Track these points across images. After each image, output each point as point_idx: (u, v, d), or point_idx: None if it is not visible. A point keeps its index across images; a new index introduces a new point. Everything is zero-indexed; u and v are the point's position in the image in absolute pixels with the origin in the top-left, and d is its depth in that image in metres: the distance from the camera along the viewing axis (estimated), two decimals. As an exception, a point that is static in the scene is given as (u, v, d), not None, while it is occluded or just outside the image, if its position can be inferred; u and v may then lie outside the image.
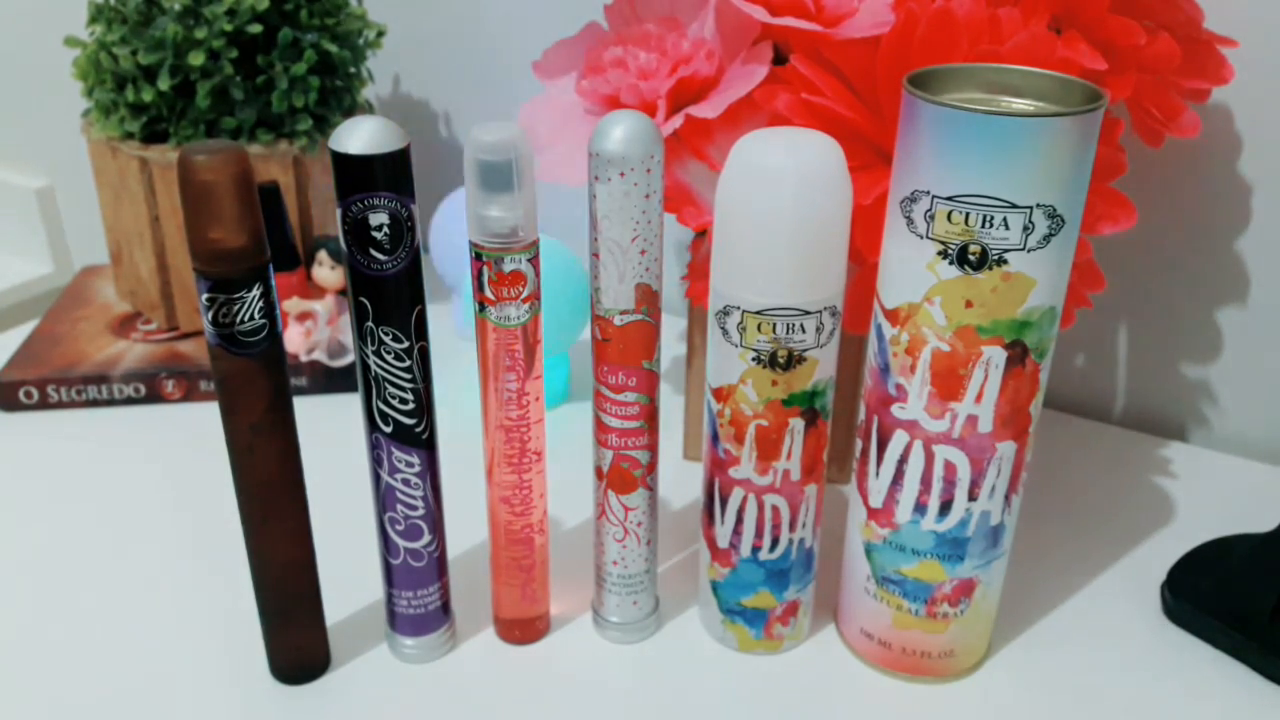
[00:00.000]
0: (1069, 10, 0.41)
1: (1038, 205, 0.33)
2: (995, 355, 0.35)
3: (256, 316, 0.35)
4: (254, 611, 0.44)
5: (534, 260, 0.36)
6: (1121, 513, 0.52)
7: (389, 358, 0.37)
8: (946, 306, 0.35)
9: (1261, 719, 0.40)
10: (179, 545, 0.49)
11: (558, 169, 0.47)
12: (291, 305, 0.61)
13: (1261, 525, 0.49)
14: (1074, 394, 0.63)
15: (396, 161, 0.34)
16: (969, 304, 0.34)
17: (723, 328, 0.37)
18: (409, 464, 0.39)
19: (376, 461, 0.39)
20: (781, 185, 0.34)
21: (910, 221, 0.34)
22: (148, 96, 0.60)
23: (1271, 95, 0.52)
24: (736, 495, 0.40)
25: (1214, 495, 0.53)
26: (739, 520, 0.40)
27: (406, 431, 0.38)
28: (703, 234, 0.47)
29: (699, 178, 0.45)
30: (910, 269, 0.35)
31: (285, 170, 0.64)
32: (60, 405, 0.61)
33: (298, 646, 0.41)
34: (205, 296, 0.34)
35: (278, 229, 0.61)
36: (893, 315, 0.36)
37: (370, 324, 0.36)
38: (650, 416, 0.40)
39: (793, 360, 0.37)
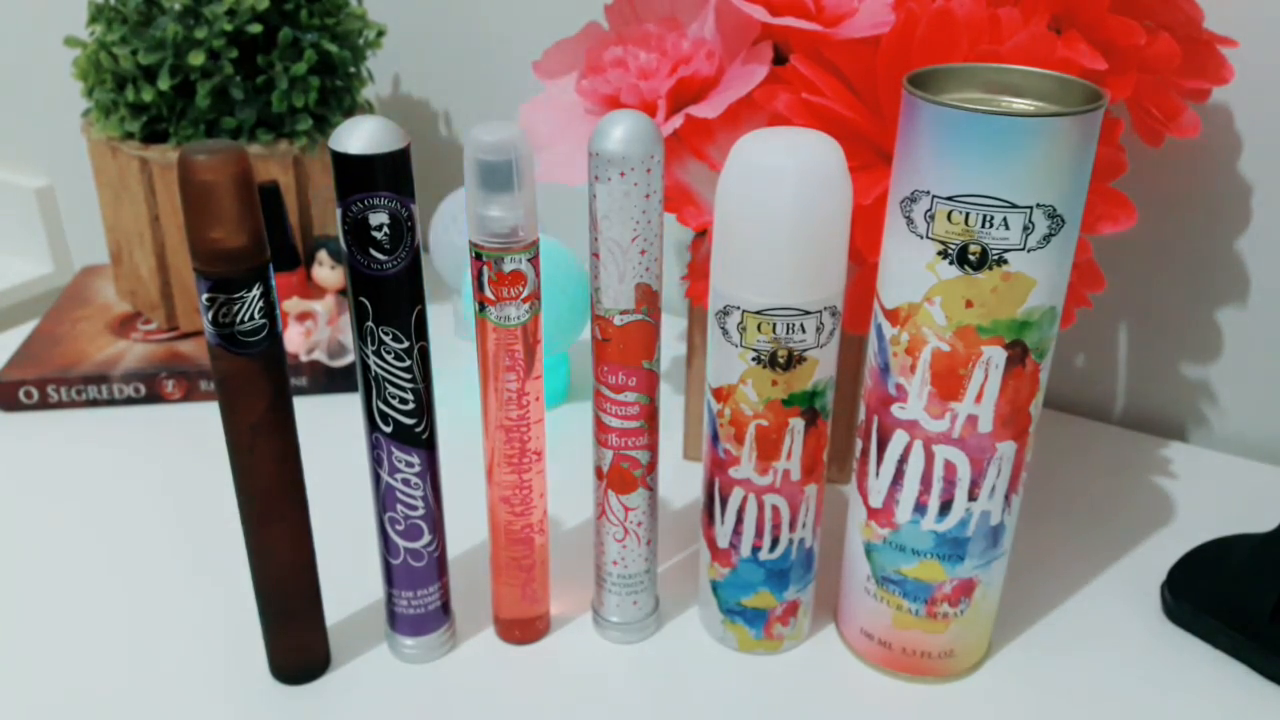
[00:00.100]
0: (1069, 10, 0.41)
1: (1038, 205, 0.33)
2: (995, 355, 0.35)
3: (256, 316, 0.35)
4: (254, 612, 0.44)
5: (534, 260, 0.36)
6: (1121, 513, 0.52)
7: (389, 358, 0.37)
8: (946, 306, 0.35)
9: (1261, 719, 0.40)
10: (179, 545, 0.49)
11: (558, 169, 0.47)
12: (291, 305, 0.61)
13: (1261, 525, 0.49)
14: (1074, 394, 0.63)
15: (396, 161, 0.34)
16: (969, 304, 0.34)
17: (723, 328, 0.37)
18: (409, 464, 0.39)
19: (376, 461, 0.39)
20: (781, 185, 0.34)
21: (910, 221, 0.34)
22: (148, 96, 0.60)
23: (1271, 95, 0.52)
24: (736, 495, 0.40)
25: (1214, 495, 0.53)
26: (739, 520, 0.40)
27: (406, 431, 0.38)
28: (703, 234, 0.47)
29: (699, 178, 0.45)
30: (910, 269, 0.35)
31: (285, 170, 0.64)
32: (60, 405, 0.61)
33: (298, 646, 0.41)
34: (205, 296, 0.34)
35: (278, 229, 0.61)
36: (893, 315, 0.36)
37: (370, 324, 0.36)
38: (650, 416, 0.40)
39: (793, 360, 0.37)
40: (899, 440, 0.37)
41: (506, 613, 0.43)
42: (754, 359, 0.37)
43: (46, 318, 0.67)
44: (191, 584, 0.47)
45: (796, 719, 0.40)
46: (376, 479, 0.39)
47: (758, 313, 0.36)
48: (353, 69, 0.66)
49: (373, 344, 0.37)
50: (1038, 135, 0.32)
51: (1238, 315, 0.56)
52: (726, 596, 0.42)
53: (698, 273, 0.47)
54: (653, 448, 0.41)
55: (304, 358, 0.62)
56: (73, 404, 0.61)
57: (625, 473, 0.40)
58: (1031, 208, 0.33)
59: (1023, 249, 0.33)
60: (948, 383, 0.36)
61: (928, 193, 0.34)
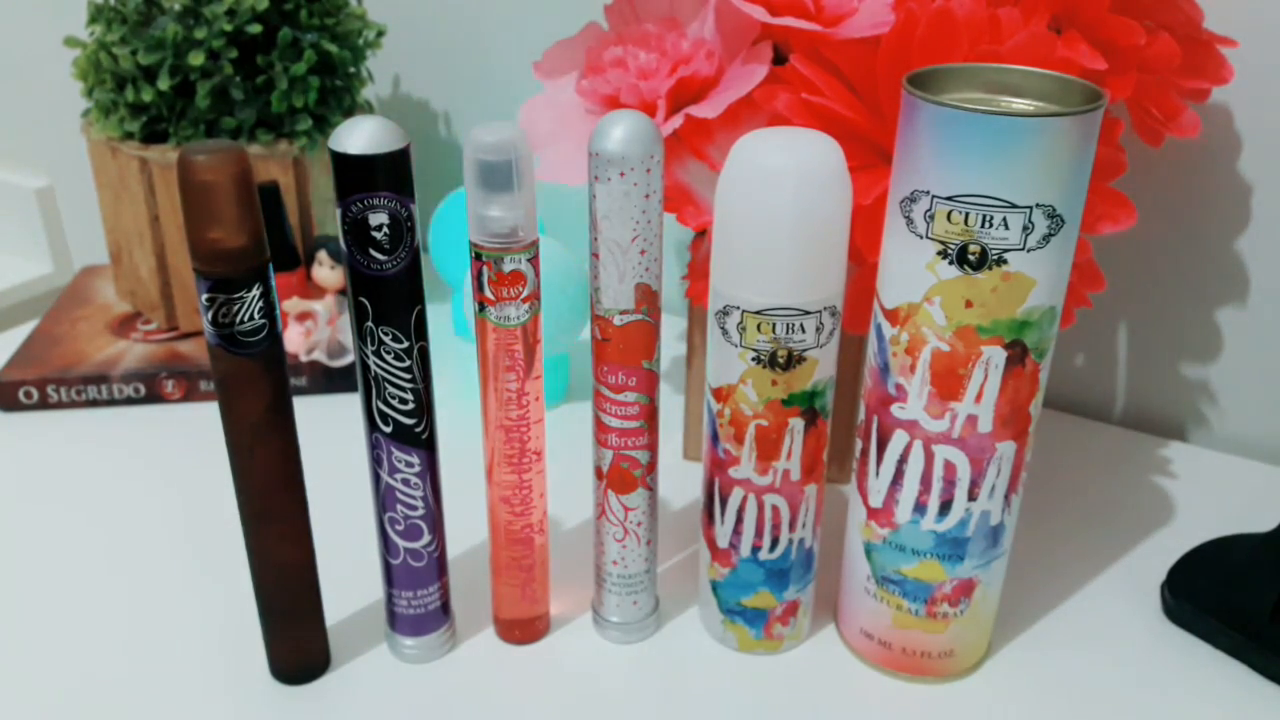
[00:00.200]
0: (1069, 10, 0.41)
1: (1037, 205, 0.33)
2: (995, 355, 0.35)
3: (256, 316, 0.35)
4: (254, 612, 0.44)
5: (534, 260, 0.36)
6: (1121, 513, 0.52)
7: (389, 358, 0.37)
8: (946, 306, 0.35)
9: (1261, 719, 0.40)
10: (179, 545, 0.49)
11: (558, 169, 0.47)
12: (291, 305, 0.61)
13: (1261, 525, 0.49)
14: (1074, 394, 0.63)
15: (396, 161, 0.34)
16: (969, 304, 0.34)
17: (723, 328, 0.37)
18: (409, 464, 0.39)
19: (376, 461, 0.39)
20: (781, 185, 0.34)
21: (910, 221, 0.34)
22: (148, 96, 0.60)
23: (1271, 95, 0.52)
24: (736, 495, 0.40)
25: (1214, 495, 0.53)
26: (739, 520, 0.40)
27: (406, 431, 0.38)
28: (703, 234, 0.47)
29: (699, 178, 0.45)
30: (910, 269, 0.35)
31: (285, 170, 0.64)
32: (60, 405, 0.61)
33: (298, 646, 0.41)
34: (205, 296, 0.34)
35: (278, 229, 0.61)
36: (892, 315, 0.36)
37: (370, 324, 0.36)
38: (650, 416, 0.40)
39: (793, 360, 0.37)
40: (899, 440, 0.37)
41: (506, 613, 0.43)
42: (754, 359, 0.37)
43: (46, 318, 0.67)
44: (192, 584, 0.47)
45: (796, 719, 0.40)
46: (376, 479, 0.39)
47: (758, 313, 0.36)
48: (353, 69, 0.66)
49: (373, 344, 0.37)
50: (1038, 135, 0.32)
51: (1238, 315, 0.56)
52: (726, 596, 0.42)
53: (697, 273, 0.47)
54: (653, 448, 0.41)
55: (304, 358, 0.62)
56: (73, 404, 0.61)
57: (625, 473, 0.40)
58: (1031, 208, 0.33)
59: (1022, 249, 0.33)
60: (947, 383, 0.36)
61: (927, 193, 0.34)
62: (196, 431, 0.59)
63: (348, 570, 0.47)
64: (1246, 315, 0.56)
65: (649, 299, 0.37)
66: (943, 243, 0.34)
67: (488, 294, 0.36)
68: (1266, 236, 0.54)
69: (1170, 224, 0.56)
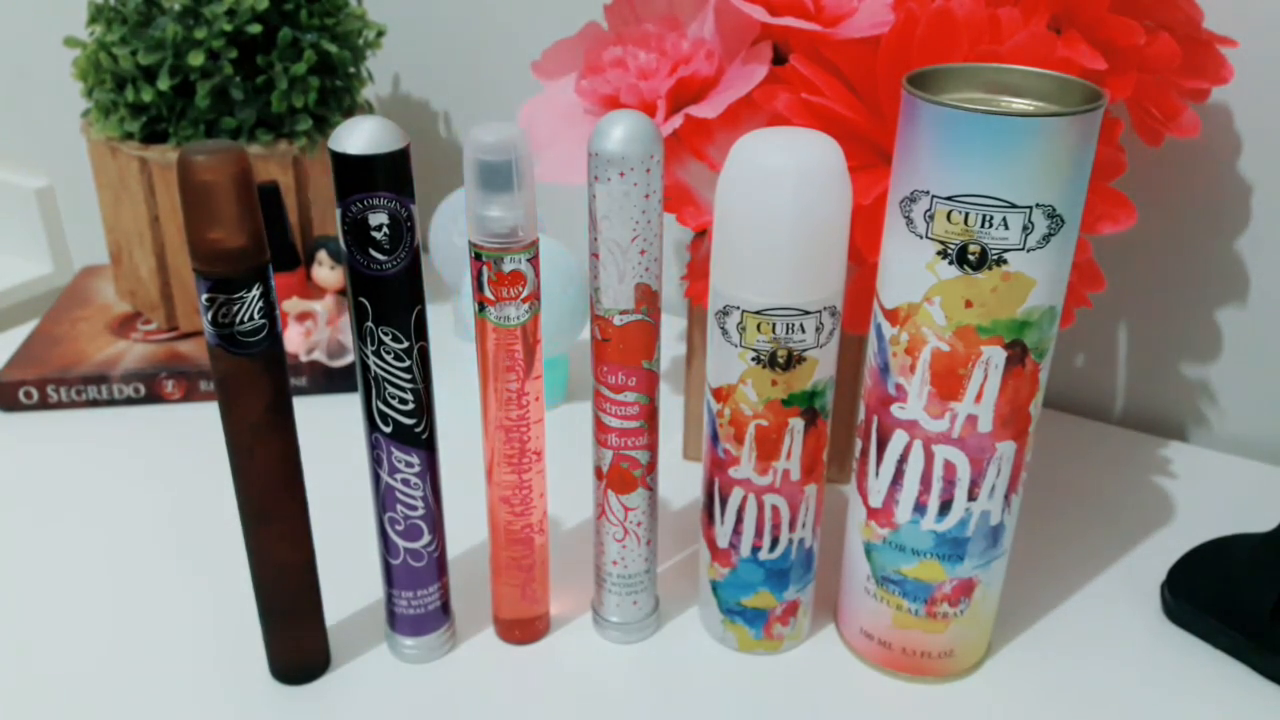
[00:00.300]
0: (1069, 10, 0.41)
1: (1037, 205, 0.33)
2: (995, 355, 0.35)
3: (256, 316, 0.35)
4: (254, 612, 0.44)
5: (534, 260, 0.36)
6: (1121, 513, 0.52)
7: (389, 358, 0.37)
8: (946, 306, 0.35)
9: (1261, 719, 0.40)
10: (179, 545, 0.49)
11: (558, 169, 0.47)
12: (291, 305, 0.61)
13: (1261, 525, 0.49)
14: (1074, 394, 0.63)
15: (396, 161, 0.34)
16: (969, 304, 0.34)
17: (722, 328, 0.37)
18: (409, 464, 0.39)
19: (376, 461, 0.39)
20: (781, 185, 0.34)
21: (910, 221, 0.34)
22: (147, 96, 0.60)
23: (1271, 95, 0.52)
24: (736, 495, 0.40)
25: (1214, 495, 0.53)
26: (739, 520, 0.40)
27: (406, 431, 0.38)
28: (703, 234, 0.47)
29: (699, 178, 0.45)
30: (910, 269, 0.35)
31: (285, 170, 0.64)
32: (60, 405, 0.61)
33: (298, 646, 0.41)
34: (205, 296, 0.34)
35: (278, 229, 0.61)
36: (892, 315, 0.36)
37: (370, 324, 0.36)
38: (650, 416, 0.40)
39: (792, 360, 0.37)
40: (899, 440, 0.37)
41: (506, 613, 0.43)
42: (754, 359, 0.37)
43: (46, 318, 0.67)
44: (191, 584, 0.47)
45: (796, 719, 0.40)
46: (376, 479, 0.39)
47: (757, 313, 0.36)
48: (352, 69, 0.66)
49: (372, 344, 0.37)
50: (1037, 135, 0.32)
51: (1238, 315, 0.56)
52: (726, 596, 0.42)
53: (697, 273, 0.47)
54: (652, 448, 0.41)
55: (304, 358, 0.62)
56: (73, 404, 0.61)
57: (625, 473, 0.40)
58: (1031, 208, 0.33)
59: (1022, 249, 0.33)
60: (947, 383, 0.36)
61: (927, 193, 0.34)
62: (196, 431, 0.59)
63: (348, 570, 0.47)
64: (1246, 315, 0.56)
65: (649, 299, 0.37)
66: (943, 243, 0.34)
67: (488, 294, 0.36)
68: (1266, 236, 0.54)
69: (1170, 224, 0.56)
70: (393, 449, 0.38)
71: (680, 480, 0.55)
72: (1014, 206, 0.33)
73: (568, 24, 0.54)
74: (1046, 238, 0.33)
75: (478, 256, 0.36)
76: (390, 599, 0.42)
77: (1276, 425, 0.57)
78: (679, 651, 0.43)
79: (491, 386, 0.38)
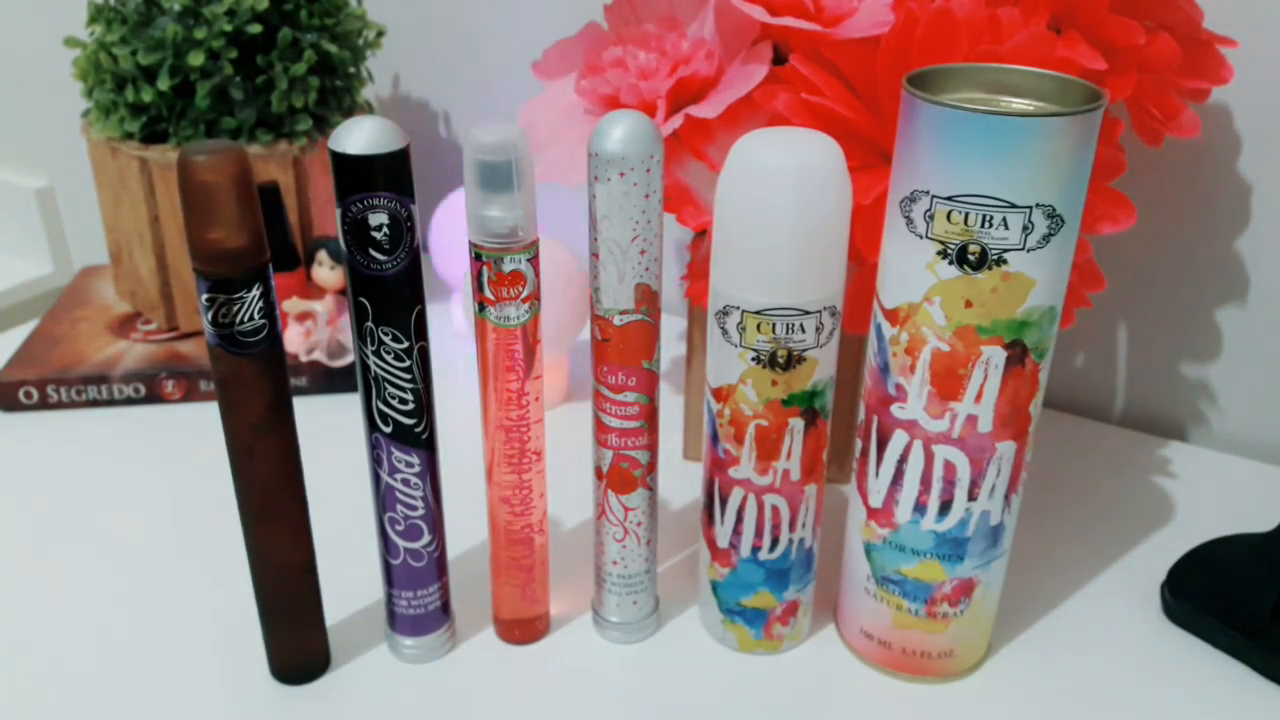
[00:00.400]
0: (1069, 10, 0.41)
1: (1037, 205, 0.33)
2: (995, 355, 0.35)
3: (256, 316, 0.35)
4: (254, 612, 0.44)
5: (534, 260, 0.36)
6: (1121, 513, 0.52)
7: (389, 358, 0.37)
8: (946, 306, 0.35)
9: (1261, 719, 0.40)
10: (179, 545, 0.49)
11: (558, 169, 0.47)
12: (291, 305, 0.61)
13: (1261, 525, 0.49)
14: (1074, 394, 0.63)
15: (396, 161, 0.34)
16: (969, 304, 0.34)
17: (722, 328, 0.37)
18: (409, 464, 0.39)
19: (376, 461, 0.39)
20: (781, 185, 0.34)
21: (910, 221, 0.34)
22: (147, 96, 0.60)
23: (1271, 95, 0.52)
24: (736, 495, 0.40)
25: (1214, 495, 0.53)
26: (739, 520, 0.40)
27: (406, 431, 0.38)
28: (703, 234, 0.47)
29: (699, 178, 0.45)
30: (910, 269, 0.35)
31: (285, 170, 0.64)
32: (60, 405, 0.61)
33: (298, 646, 0.41)
34: (205, 296, 0.34)
35: (278, 229, 0.61)
36: (892, 315, 0.36)
37: (370, 324, 0.36)
38: (650, 416, 0.40)
39: (792, 360, 0.37)
40: (899, 440, 0.37)
41: (506, 613, 0.43)
42: (754, 359, 0.37)
43: (46, 318, 0.67)
44: (191, 584, 0.47)
45: (796, 719, 0.40)
46: (376, 479, 0.39)
47: (757, 313, 0.36)
48: (352, 69, 0.66)
49: (372, 344, 0.37)
50: (1037, 135, 0.32)
51: (1238, 315, 0.56)
52: (726, 596, 0.42)
53: (697, 273, 0.47)
54: (653, 448, 0.41)
55: (304, 358, 0.62)
56: (73, 404, 0.61)
57: (625, 473, 0.40)
58: (1031, 208, 0.33)
59: (1022, 249, 0.33)
60: (947, 383, 0.36)
61: (927, 193, 0.34)
62: (196, 431, 0.59)
63: (348, 570, 0.47)
64: (1246, 315, 0.56)
65: (649, 299, 0.37)
66: (943, 243, 0.34)
67: (488, 294, 0.36)
68: (1266, 236, 0.54)
69: (1170, 224, 0.56)
70: (393, 449, 0.38)
71: (680, 480, 0.55)
72: (1014, 206, 0.33)
73: (568, 24, 0.54)
74: (1046, 238, 0.33)
75: (478, 256, 0.36)
76: (390, 599, 0.42)
77: (1276, 425, 0.57)
78: (679, 652, 0.43)
79: (491, 386, 0.38)
